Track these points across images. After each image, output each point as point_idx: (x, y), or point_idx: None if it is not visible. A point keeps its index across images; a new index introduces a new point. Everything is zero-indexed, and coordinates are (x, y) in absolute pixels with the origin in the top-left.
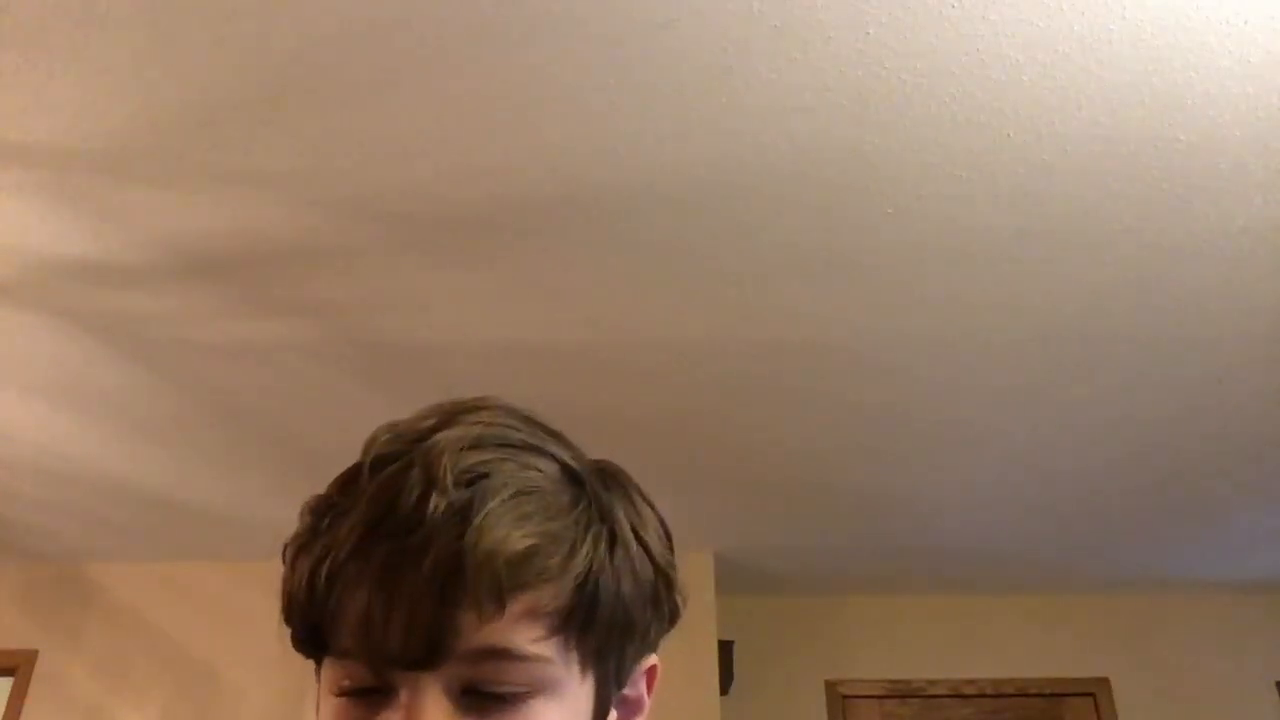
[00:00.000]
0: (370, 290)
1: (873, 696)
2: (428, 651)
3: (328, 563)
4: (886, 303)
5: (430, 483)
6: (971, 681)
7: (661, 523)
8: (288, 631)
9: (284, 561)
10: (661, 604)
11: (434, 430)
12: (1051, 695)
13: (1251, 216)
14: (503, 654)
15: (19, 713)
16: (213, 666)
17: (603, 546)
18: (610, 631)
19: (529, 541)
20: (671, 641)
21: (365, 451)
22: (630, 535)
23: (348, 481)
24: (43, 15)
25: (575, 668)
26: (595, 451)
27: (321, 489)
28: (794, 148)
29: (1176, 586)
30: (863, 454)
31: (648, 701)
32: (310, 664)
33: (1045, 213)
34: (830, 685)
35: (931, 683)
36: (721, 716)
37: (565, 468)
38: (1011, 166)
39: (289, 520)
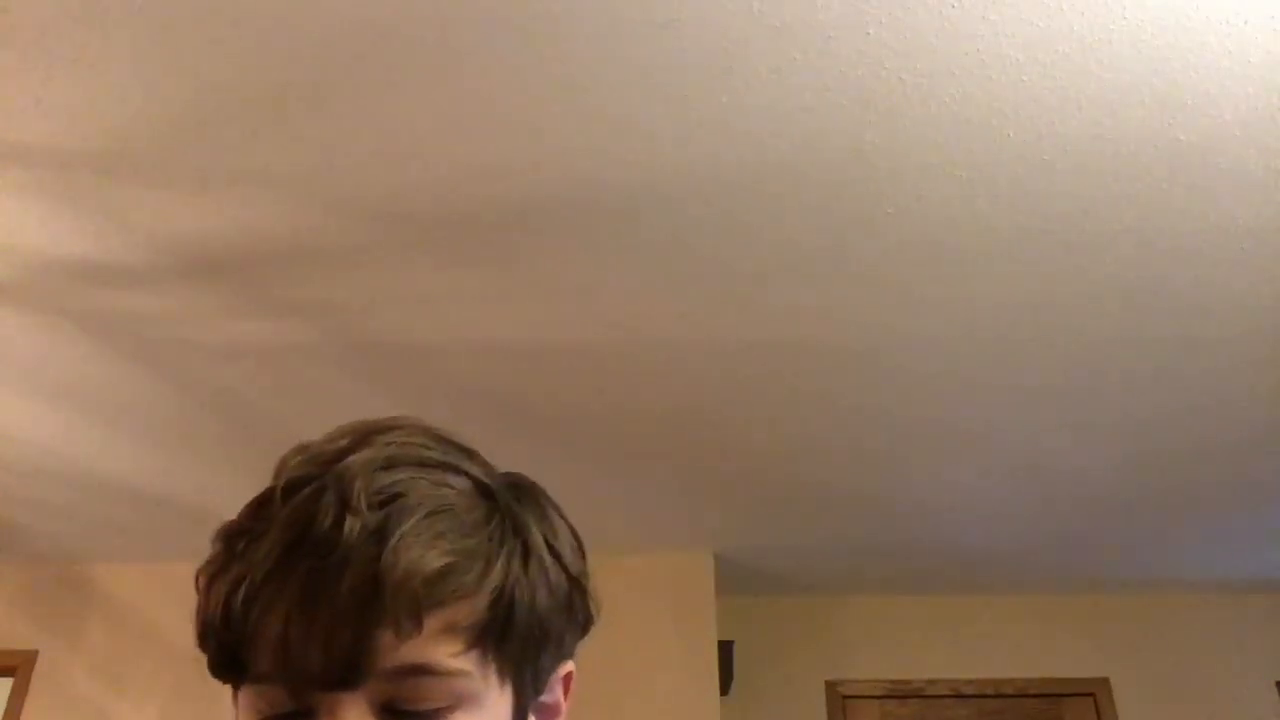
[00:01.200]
0: (370, 290)
1: (872, 697)
2: (347, 671)
3: (244, 586)
4: (887, 302)
5: (344, 505)
6: (971, 682)
7: (573, 533)
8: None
9: (197, 588)
10: (576, 612)
11: (346, 452)
12: (1051, 695)
13: (1252, 216)
14: (422, 670)
15: (19, 713)
16: None
17: (516, 561)
18: (527, 642)
19: (445, 560)
20: (671, 641)
21: (276, 475)
22: (543, 547)
23: (260, 506)
24: (42, 15)
25: (494, 679)
26: (594, 451)
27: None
28: (794, 147)
29: (1176, 587)
30: (863, 454)
31: (564, 706)
32: None
33: (1045, 212)
34: (830, 685)
35: (931, 683)
36: (721, 716)
37: (478, 484)
38: (1012, 166)
39: None
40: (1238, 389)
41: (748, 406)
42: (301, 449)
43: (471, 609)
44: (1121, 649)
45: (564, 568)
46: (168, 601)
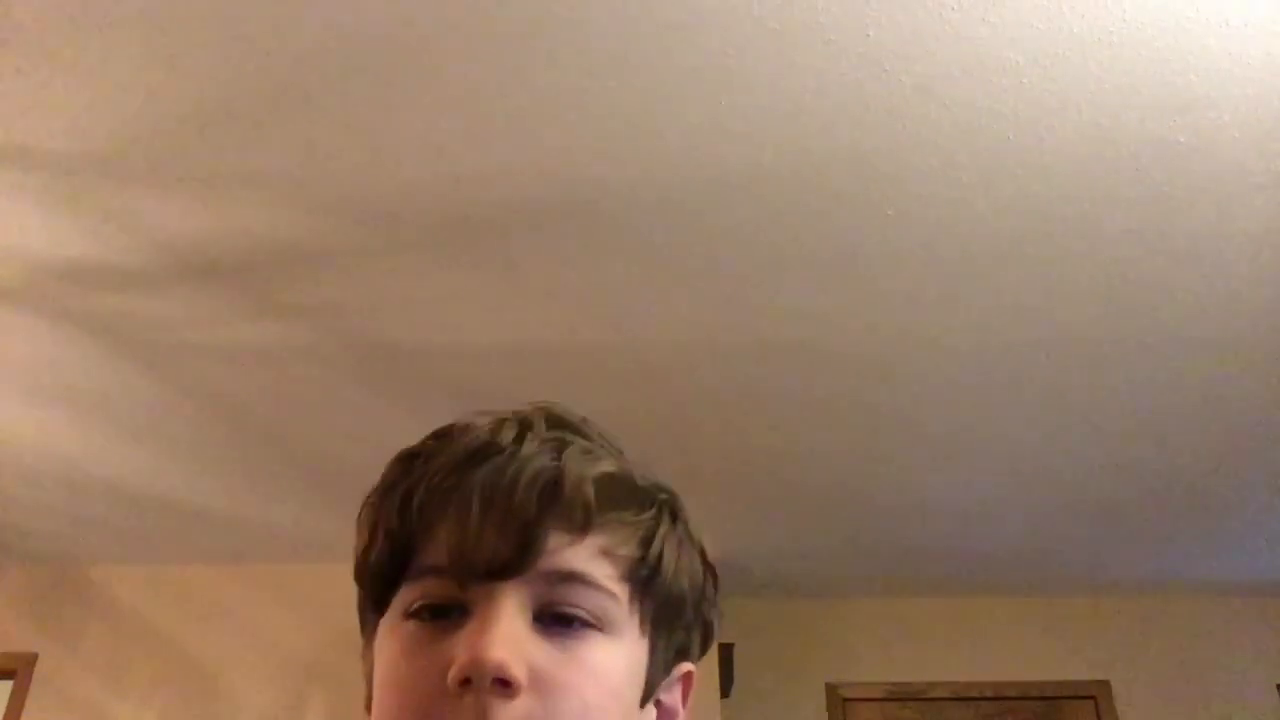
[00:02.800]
0: (370, 292)
1: (873, 699)
2: (517, 556)
3: (422, 489)
4: (887, 304)
5: (525, 426)
6: (972, 684)
7: (703, 546)
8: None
9: (362, 512)
10: (703, 612)
11: (495, 423)
12: (1052, 698)
13: (1252, 218)
14: (580, 578)
15: (19, 716)
16: (212, 669)
17: (666, 517)
18: (664, 604)
19: (613, 468)
20: None
21: (442, 432)
22: (690, 537)
23: (438, 436)
24: (43, 18)
25: (636, 622)
26: None
27: (322, 491)
28: (794, 150)
29: (1177, 589)
30: (863, 456)
31: (683, 712)
32: (314, 669)
33: (1045, 214)
34: (831, 688)
35: (932, 685)
36: (722, 719)
37: (628, 470)
38: (1011, 168)
39: (288, 522)
40: (1239, 391)
41: (748, 408)
42: (465, 417)
43: (628, 540)
44: (1122, 652)
45: (705, 564)
46: (167, 603)
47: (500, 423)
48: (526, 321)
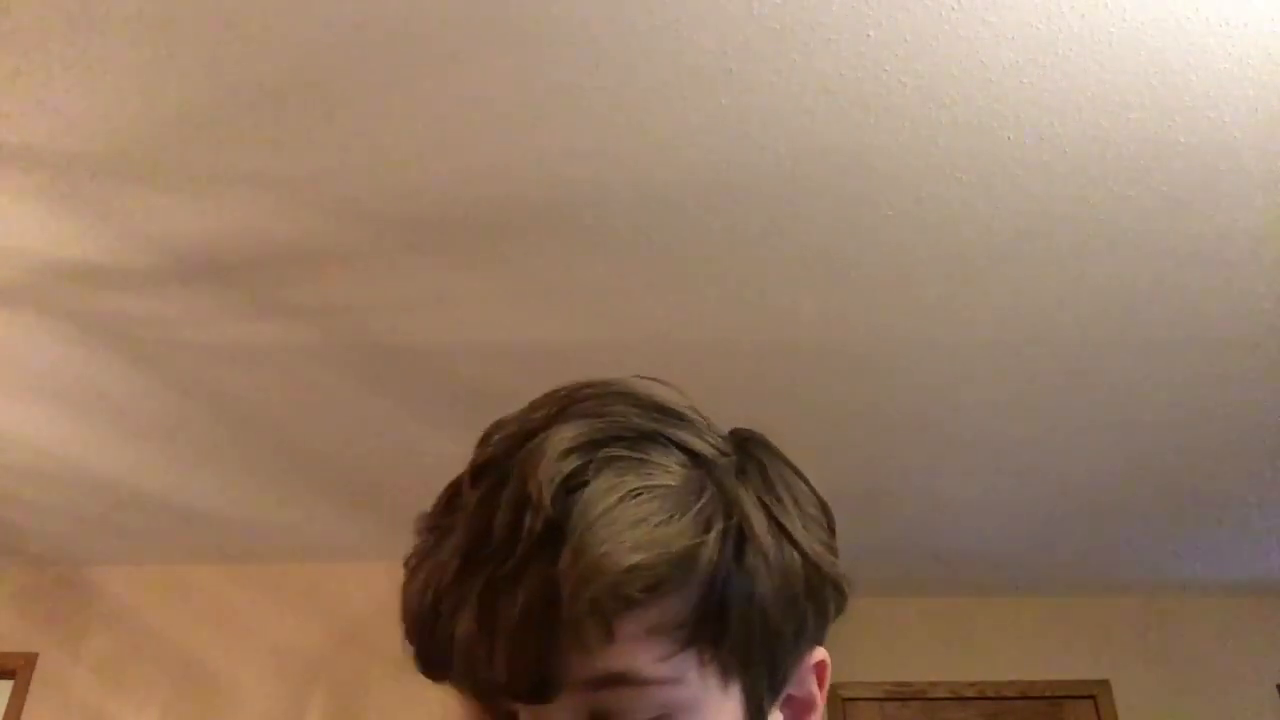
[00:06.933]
0: (371, 292)
1: (873, 699)
2: (535, 685)
3: (433, 588)
4: (886, 304)
5: (524, 500)
6: (972, 684)
7: (816, 500)
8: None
9: (403, 579)
10: (816, 593)
11: (541, 427)
12: (1052, 698)
13: (1252, 218)
14: (622, 680)
15: (19, 715)
16: (213, 669)
17: (729, 547)
18: (749, 639)
19: (635, 557)
20: None
21: (474, 453)
22: (765, 528)
23: (451, 497)
24: (43, 18)
25: (713, 683)
26: None
27: (322, 491)
28: (794, 150)
29: (1177, 589)
30: (863, 456)
31: (820, 699)
32: (314, 669)
33: (1045, 215)
34: (831, 688)
35: (932, 685)
36: None
37: (689, 455)
38: (1011, 169)
39: (289, 522)
40: (1238, 391)
41: (747, 409)
42: (500, 424)
43: (675, 607)
44: (1122, 651)
45: (796, 546)
46: (168, 603)
47: (499, 489)
48: (526, 321)
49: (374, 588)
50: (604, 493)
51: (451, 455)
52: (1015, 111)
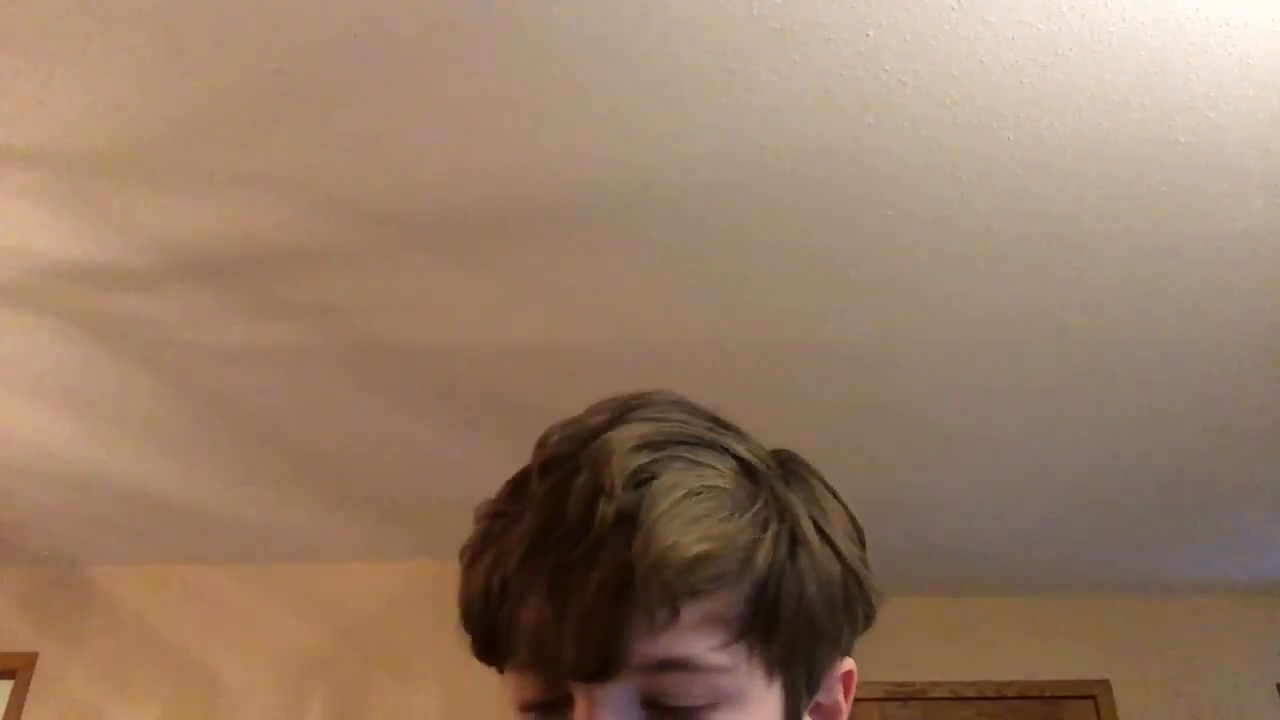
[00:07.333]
0: (371, 292)
1: (873, 699)
2: (601, 663)
3: (499, 573)
4: (886, 304)
5: (598, 488)
6: (972, 684)
7: (850, 518)
8: (467, 639)
9: (460, 567)
10: (853, 604)
11: (604, 428)
12: (1052, 697)
13: (1252, 218)
14: (680, 664)
15: (19, 715)
16: (212, 669)
17: (783, 547)
18: (795, 637)
19: (703, 546)
20: None
21: (536, 452)
22: (814, 534)
23: (518, 487)
24: (43, 17)
25: (759, 676)
26: None
27: (322, 491)
28: (794, 150)
29: (1177, 589)
30: (863, 456)
31: (846, 707)
32: (314, 669)
33: (1045, 215)
34: None
35: (932, 685)
36: None
37: (742, 462)
38: (1011, 169)
39: (289, 522)
40: (1238, 391)
41: (747, 408)
42: (561, 425)
43: (732, 600)
44: (1122, 651)
45: (838, 555)
46: (167, 603)
47: (572, 477)
48: (526, 321)
49: (374, 588)
50: (670, 488)
51: (451, 455)
52: (1015, 111)
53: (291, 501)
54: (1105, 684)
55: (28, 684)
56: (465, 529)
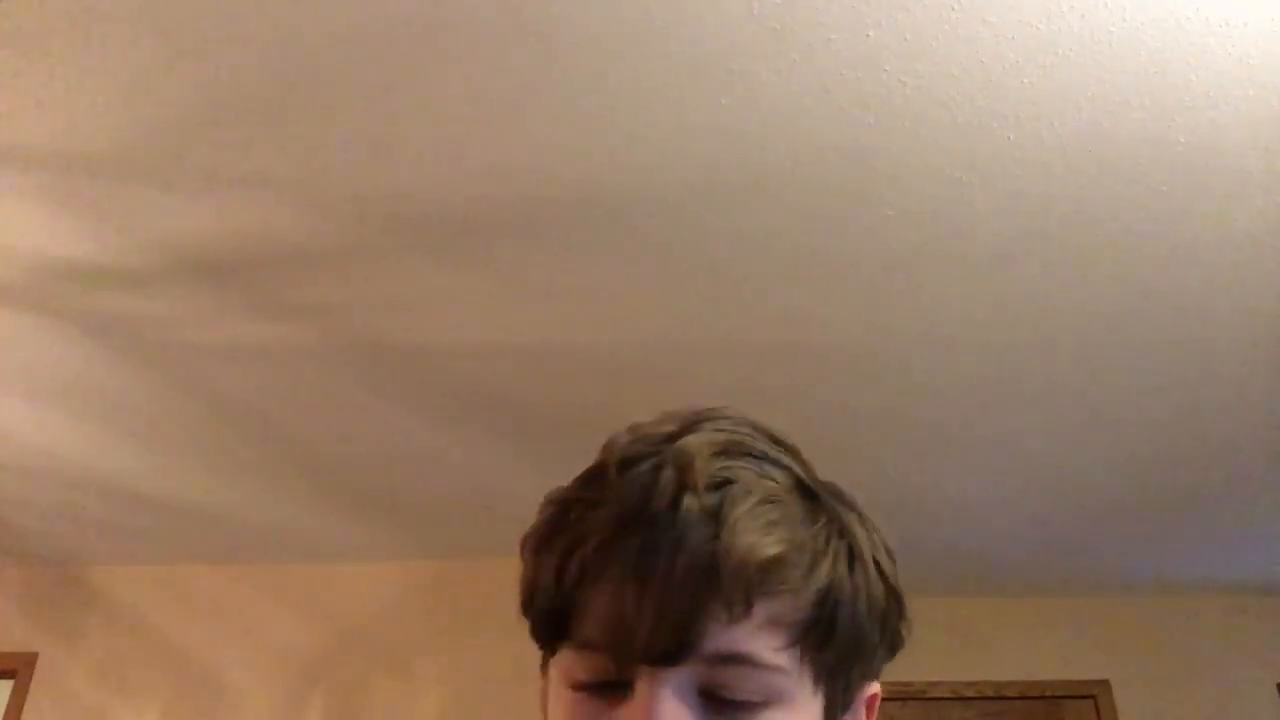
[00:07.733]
0: (370, 292)
1: None
2: (675, 646)
3: (578, 553)
4: (886, 305)
5: (683, 483)
6: (972, 684)
7: (888, 549)
8: (525, 623)
9: (523, 554)
10: (889, 629)
11: (677, 435)
12: (1052, 698)
13: (1252, 218)
14: (744, 659)
15: (19, 715)
16: (213, 669)
17: (843, 563)
18: (844, 650)
19: (778, 548)
20: None
21: (607, 451)
22: (868, 554)
23: (593, 478)
24: (43, 17)
25: (808, 682)
26: (594, 453)
27: (322, 491)
28: (794, 150)
29: (1177, 589)
30: (863, 456)
31: None
32: (314, 669)
33: (1045, 215)
34: None
35: (932, 685)
36: None
37: (801, 482)
38: (1011, 169)
39: (289, 523)
40: (1238, 391)
41: (747, 408)
42: (631, 429)
43: (796, 605)
44: (1122, 651)
45: (885, 579)
46: (167, 603)
47: (656, 471)
48: (526, 321)
49: (374, 588)
50: (746, 493)
51: (452, 455)
52: (1015, 111)
53: (291, 501)
54: (1105, 684)
55: (28, 684)
56: (465, 529)
